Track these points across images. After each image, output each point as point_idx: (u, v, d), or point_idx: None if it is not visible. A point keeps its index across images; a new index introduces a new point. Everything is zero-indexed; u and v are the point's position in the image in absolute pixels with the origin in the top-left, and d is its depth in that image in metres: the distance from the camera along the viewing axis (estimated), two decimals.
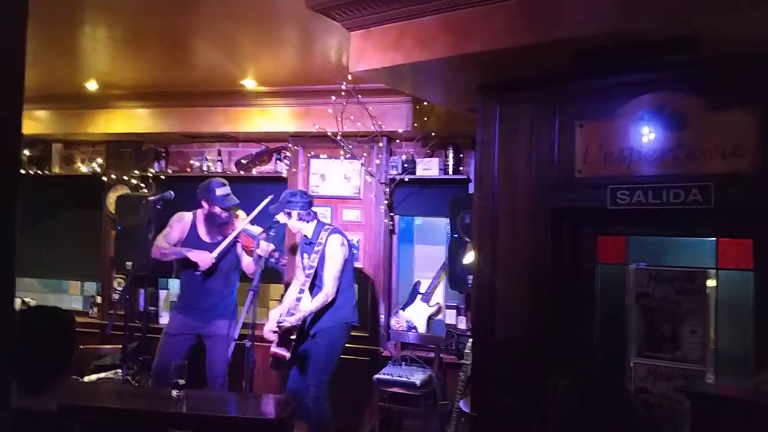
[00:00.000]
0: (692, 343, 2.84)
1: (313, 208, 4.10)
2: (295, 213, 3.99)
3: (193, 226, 4.22)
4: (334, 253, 3.93)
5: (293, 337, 3.90)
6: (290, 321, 3.85)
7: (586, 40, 2.45)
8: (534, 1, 2.48)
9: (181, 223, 4.23)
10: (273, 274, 5.11)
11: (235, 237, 4.11)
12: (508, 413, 2.90)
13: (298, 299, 3.99)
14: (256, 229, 4.10)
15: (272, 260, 3.99)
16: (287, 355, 3.88)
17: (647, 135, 2.63)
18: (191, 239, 4.21)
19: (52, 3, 3.10)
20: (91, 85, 4.82)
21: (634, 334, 2.91)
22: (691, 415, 2.51)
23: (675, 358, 2.84)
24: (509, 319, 2.96)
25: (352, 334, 4.13)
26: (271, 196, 4.17)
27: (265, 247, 3.91)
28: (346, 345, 4.08)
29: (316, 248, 3.96)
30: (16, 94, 0.83)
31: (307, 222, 4.02)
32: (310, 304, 3.92)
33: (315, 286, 4.00)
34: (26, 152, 5.93)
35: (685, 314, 2.85)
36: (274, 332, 3.88)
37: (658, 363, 2.86)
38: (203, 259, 4.05)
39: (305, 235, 4.06)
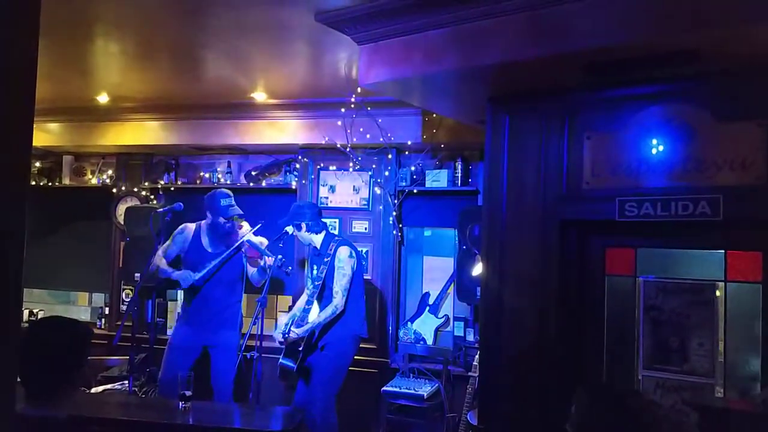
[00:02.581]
0: (701, 355, 2.83)
1: (323, 219, 4.11)
2: (304, 224, 4.00)
3: (197, 236, 4.25)
4: (343, 265, 3.92)
5: (300, 348, 3.89)
6: (297, 332, 3.84)
7: (595, 53, 2.45)
8: (543, 15, 2.49)
9: (182, 235, 4.27)
10: (281, 286, 5.12)
11: (238, 247, 4.11)
12: (516, 426, 2.88)
13: (306, 310, 3.98)
14: (262, 240, 4.11)
15: (277, 270, 3.97)
16: (294, 366, 3.87)
17: (655, 147, 2.63)
18: (194, 250, 4.23)
19: (65, 18, 3.14)
20: (102, 98, 4.87)
21: (642, 346, 2.90)
22: (699, 430, 2.49)
23: (683, 371, 2.83)
24: (517, 331, 2.94)
25: (360, 345, 4.12)
26: (262, 222, 4.18)
27: (269, 260, 3.92)
28: (354, 357, 4.07)
29: (325, 259, 3.96)
30: (26, 106, 0.85)
31: (317, 233, 4.03)
32: (318, 317, 3.91)
33: (324, 297, 4.00)
34: (37, 164, 5.99)
35: (694, 327, 2.85)
36: (281, 343, 3.88)
37: (666, 376, 2.85)
38: (183, 277, 4.11)
39: (314, 246, 4.07)
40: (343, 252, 3.95)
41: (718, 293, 2.82)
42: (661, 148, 2.61)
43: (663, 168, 2.61)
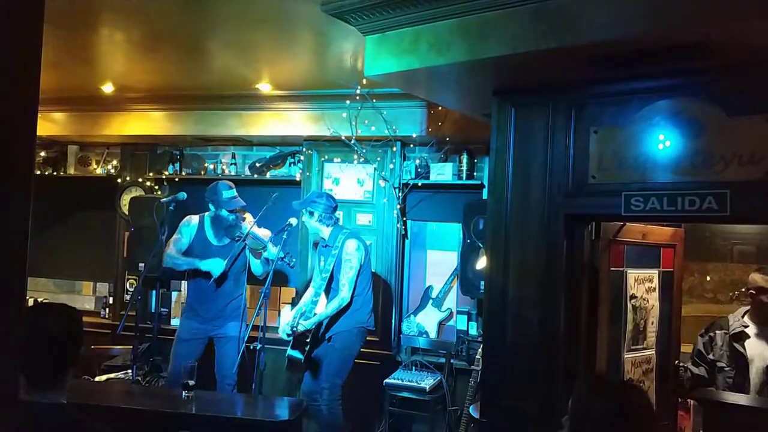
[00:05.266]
0: (651, 332, 3.43)
1: (336, 214, 4.12)
2: (317, 213, 4.01)
3: (201, 229, 4.25)
4: (351, 258, 3.94)
5: (308, 339, 3.92)
6: (305, 324, 3.87)
7: (603, 46, 2.43)
8: (551, 6, 2.47)
9: (189, 227, 4.26)
10: (284, 278, 5.12)
11: (244, 240, 4.11)
12: (517, 418, 2.88)
13: (314, 302, 4.00)
14: (264, 233, 4.11)
15: (280, 262, 3.98)
16: (302, 357, 3.90)
17: (663, 141, 2.61)
18: (199, 242, 4.23)
19: (71, 6, 3.13)
20: (107, 88, 4.86)
21: (625, 331, 3.27)
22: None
23: (643, 347, 3.38)
24: (520, 324, 2.94)
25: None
26: (276, 194, 4.16)
27: (273, 250, 3.93)
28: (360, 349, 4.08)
29: (333, 251, 3.97)
30: (31, 96, 0.84)
31: (327, 225, 4.04)
32: (325, 309, 3.93)
33: (332, 289, 4.01)
34: (42, 154, 6.00)
35: (650, 309, 3.41)
36: (289, 335, 3.90)
37: (635, 354, 3.32)
38: (214, 267, 4.08)
39: (323, 238, 4.08)
40: (351, 245, 3.96)
41: (656, 280, 3.47)
42: (668, 142, 2.59)
43: (670, 162, 2.59)
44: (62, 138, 5.78)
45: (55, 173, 5.96)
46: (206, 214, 4.26)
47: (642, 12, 2.31)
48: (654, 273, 3.45)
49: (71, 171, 5.94)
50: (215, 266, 4.09)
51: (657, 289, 3.46)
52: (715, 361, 3.52)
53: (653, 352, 3.43)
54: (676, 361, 3.64)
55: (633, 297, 3.29)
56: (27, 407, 1.68)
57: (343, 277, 3.91)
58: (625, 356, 3.25)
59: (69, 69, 4.36)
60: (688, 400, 3.69)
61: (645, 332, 3.38)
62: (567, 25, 2.45)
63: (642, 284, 3.36)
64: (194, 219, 4.29)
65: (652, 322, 3.42)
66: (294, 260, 4.06)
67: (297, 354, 3.92)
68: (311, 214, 4.03)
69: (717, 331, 3.57)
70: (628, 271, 3.27)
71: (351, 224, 4.84)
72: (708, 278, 4.60)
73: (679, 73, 2.59)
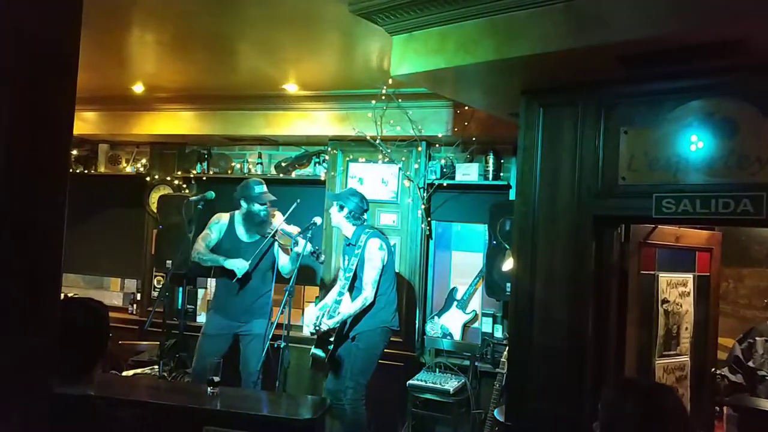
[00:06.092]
0: (685, 338, 3.37)
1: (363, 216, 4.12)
2: (347, 209, 4.03)
3: (231, 226, 4.30)
4: (373, 257, 3.94)
5: (332, 338, 3.94)
6: (328, 323, 3.88)
7: (633, 45, 2.39)
8: (581, 4, 2.43)
9: (218, 224, 4.33)
10: (309, 276, 5.14)
11: (273, 236, 4.16)
12: (544, 423, 2.85)
13: (338, 301, 4.01)
14: (293, 229, 4.15)
15: (310, 257, 4.01)
16: (325, 355, 3.92)
17: (695, 142, 2.55)
18: (229, 239, 4.28)
19: (103, 7, 3.18)
20: (138, 88, 4.94)
21: (657, 337, 3.25)
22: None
23: (677, 353, 3.33)
24: (548, 327, 2.90)
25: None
26: (298, 201, 4.20)
27: (302, 244, 3.97)
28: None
29: (355, 251, 3.98)
30: (69, 97, 0.85)
31: (352, 224, 4.05)
32: (349, 308, 3.94)
33: (355, 288, 4.02)
34: (74, 152, 6.11)
35: (683, 314, 3.36)
36: (313, 334, 3.92)
37: (668, 361, 3.29)
38: (238, 266, 4.12)
39: (346, 236, 4.09)
40: (373, 244, 3.96)
41: (690, 284, 3.40)
42: (701, 143, 2.54)
43: (703, 164, 2.53)
44: (93, 137, 5.88)
45: (86, 171, 6.08)
46: (236, 212, 4.31)
47: (673, 9, 2.27)
48: (689, 277, 3.40)
49: (102, 169, 6.05)
50: (239, 266, 4.13)
51: (692, 294, 3.39)
52: (756, 369, 3.42)
53: (687, 358, 3.36)
54: (713, 369, 3.56)
55: (665, 301, 3.25)
56: (55, 398, 1.70)
57: (366, 276, 3.92)
58: (657, 362, 3.20)
59: (101, 69, 4.43)
60: (723, 409, 3.59)
61: (678, 338, 3.33)
62: (597, 24, 2.41)
63: (675, 288, 3.31)
64: (224, 216, 4.36)
65: (686, 328, 3.35)
66: (324, 256, 4.09)
67: (320, 352, 3.94)
68: (341, 208, 4.05)
69: (757, 338, 3.47)
70: (660, 275, 3.23)
71: (375, 224, 4.84)
72: (744, 283, 4.51)
73: (713, 72, 2.53)
